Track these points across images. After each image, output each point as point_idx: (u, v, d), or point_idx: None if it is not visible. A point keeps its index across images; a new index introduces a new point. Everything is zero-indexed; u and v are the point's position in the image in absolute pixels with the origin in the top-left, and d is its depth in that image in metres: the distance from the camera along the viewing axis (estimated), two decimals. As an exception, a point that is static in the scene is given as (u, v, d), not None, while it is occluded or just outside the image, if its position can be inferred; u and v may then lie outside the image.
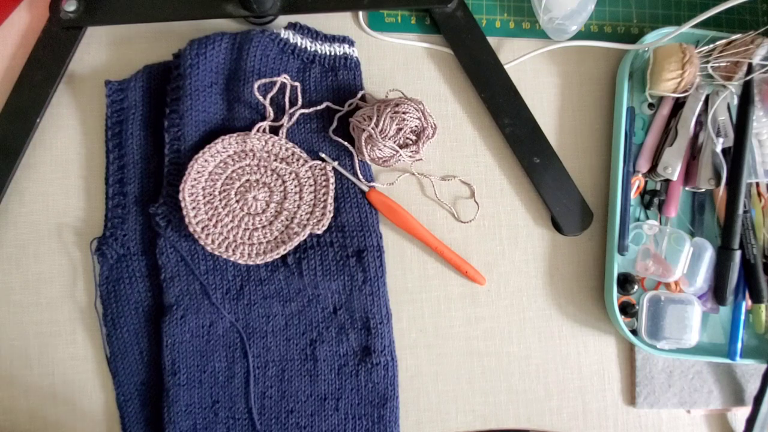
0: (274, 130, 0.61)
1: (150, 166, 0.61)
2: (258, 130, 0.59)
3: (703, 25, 0.63)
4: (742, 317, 0.63)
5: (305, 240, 0.60)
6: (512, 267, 0.65)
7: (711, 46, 0.63)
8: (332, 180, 0.60)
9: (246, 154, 0.60)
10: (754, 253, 0.62)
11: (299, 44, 0.62)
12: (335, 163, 0.61)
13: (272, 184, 0.60)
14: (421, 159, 0.62)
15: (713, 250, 0.63)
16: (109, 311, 0.60)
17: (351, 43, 0.63)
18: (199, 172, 0.58)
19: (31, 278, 0.61)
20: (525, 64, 0.66)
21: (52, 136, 0.62)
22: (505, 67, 0.64)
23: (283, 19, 0.63)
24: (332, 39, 0.63)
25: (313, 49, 0.62)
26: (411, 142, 0.60)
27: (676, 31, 0.63)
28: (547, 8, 0.62)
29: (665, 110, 0.64)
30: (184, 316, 0.59)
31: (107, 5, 0.60)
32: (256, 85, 0.59)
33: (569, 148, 0.66)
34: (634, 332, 0.62)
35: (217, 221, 0.58)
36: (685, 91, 0.62)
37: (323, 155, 0.62)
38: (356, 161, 0.62)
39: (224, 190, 0.59)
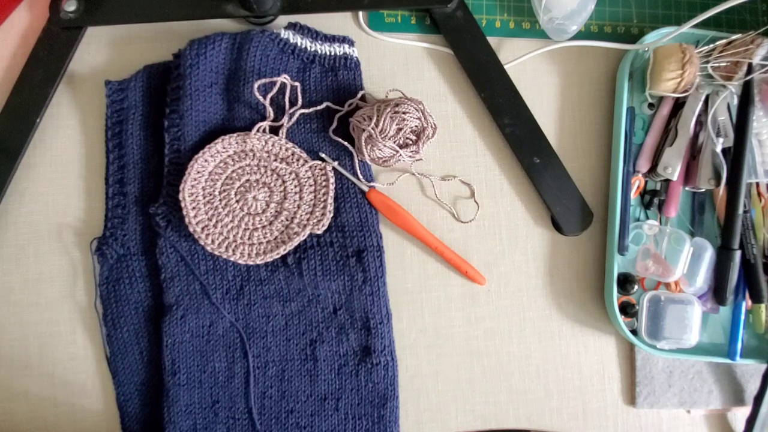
0: (274, 130, 0.61)
1: (150, 166, 0.61)
2: (258, 130, 0.59)
3: (703, 25, 0.63)
4: (742, 317, 0.63)
5: (305, 240, 0.60)
6: (512, 267, 0.65)
7: (711, 46, 0.63)
8: (332, 180, 0.60)
9: (246, 154, 0.60)
10: (754, 253, 0.62)
11: (299, 44, 0.62)
12: (335, 163, 0.61)
13: (272, 184, 0.60)
14: (421, 159, 0.62)
15: (713, 250, 0.63)
16: (109, 311, 0.60)
17: (351, 43, 0.63)
18: (199, 172, 0.58)
19: (31, 278, 0.61)
20: (525, 64, 0.66)
21: (52, 136, 0.62)
22: (505, 67, 0.64)
23: (283, 19, 0.63)
24: (332, 39, 0.63)
25: (313, 49, 0.62)
26: (411, 142, 0.60)
27: (676, 31, 0.63)
28: (547, 8, 0.62)
29: (665, 110, 0.64)
30: (184, 316, 0.59)
31: (107, 5, 0.60)
32: (256, 85, 0.59)
33: (569, 148, 0.66)
34: (634, 332, 0.62)
35: (217, 221, 0.58)
36: (685, 91, 0.62)
37: (323, 155, 0.62)
38: (356, 161, 0.62)
39: (224, 190, 0.59)
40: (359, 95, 0.62)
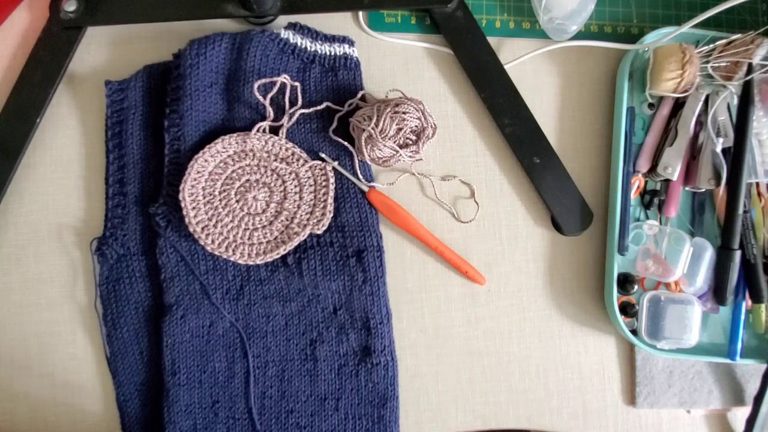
0: (274, 130, 0.61)
1: (150, 166, 0.61)
2: (258, 130, 0.59)
3: (703, 25, 0.63)
4: (742, 317, 0.63)
5: (305, 240, 0.60)
6: (512, 267, 0.65)
7: (711, 46, 0.63)
8: (332, 180, 0.60)
9: (246, 154, 0.60)
10: (754, 253, 0.62)
11: (299, 44, 0.62)
12: (335, 163, 0.61)
13: (272, 184, 0.60)
14: (421, 159, 0.62)
15: (713, 250, 0.63)
16: (109, 311, 0.60)
17: (351, 43, 0.63)
18: (199, 172, 0.58)
19: (31, 278, 0.61)
20: (525, 64, 0.66)
21: (52, 136, 0.62)
22: (505, 67, 0.64)
23: (283, 19, 0.63)
24: (332, 39, 0.63)
25: (313, 49, 0.62)
26: (411, 142, 0.60)
27: (676, 31, 0.63)
28: (547, 8, 0.62)
29: (665, 110, 0.64)
30: (184, 316, 0.59)
31: (107, 5, 0.60)
32: (256, 85, 0.59)
33: (569, 148, 0.66)
34: (634, 332, 0.62)
35: (217, 221, 0.58)
36: (685, 91, 0.62)
37: (323, 155, 0.62)
38: (356, 161, 0.62)
39: (224, 190, 0.59)
40: (359, 95, 0.62)
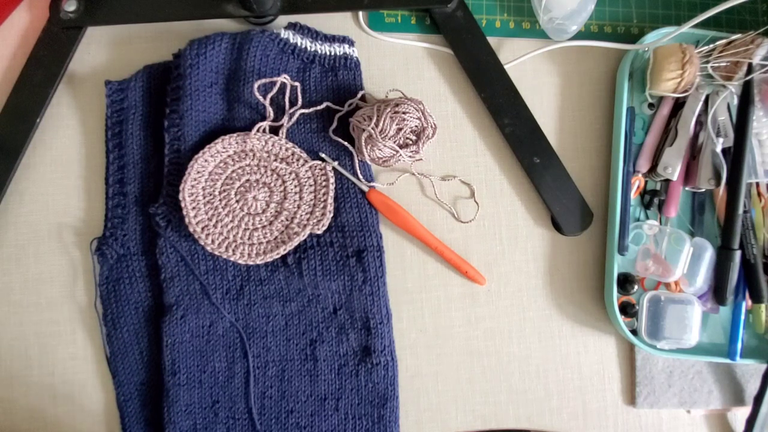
0: (274, 130, 0.61)
1: (150, 166, 0.61)
2: (258, 130, 0.59)
3: (703, 25, 0.63)
4: (742, 317, 0.63)
5: (305, 240, 0.60)
6: (512, 267, 0.65)
7: (711, 46, 0.63)
8: (332, 180, 0.60)
9: (246, 154, 0.60)
10: (754, 253, 0.62)
11: (299, 44, 0.62)
12: (335, 163, 0.61)
13: (272, 184, 0.60)
14: (421, 159, 0.62)
15: (713, 250, 0.63)
16: (109, 311, 0.60)
17: (351, 43, 0.63)
18: (199, 172, 0.58)
19: (31, 278, 0.61)
20: (525, 64, 0.66)
21: (52, 136, 0.62)
22: (505, 67, 0.64)
23: (283, 19, 0.63)
24: (332, 39, 0.63)
25: (313, 49, 0.62)
26: (411, 142, 0.60)
27: (676, 31, 0.63)
28: (547, 8, 0.62)
29: (665, 110, 0.64)
30: (184, 316, 0.59)
31: (107, 5, 0.60)
32: (256, 85, 0.59)
33: (569, 148, 0.66)
34: (634, 332, 0.62)
35: (217, 221, 0.58)
36: (685, 91, 0.62)
37: (323, 155, 0.62)
38: (356, 161, 0.62)
39: (224, 190, 0.59)
40: (359, 95, 0.62)
